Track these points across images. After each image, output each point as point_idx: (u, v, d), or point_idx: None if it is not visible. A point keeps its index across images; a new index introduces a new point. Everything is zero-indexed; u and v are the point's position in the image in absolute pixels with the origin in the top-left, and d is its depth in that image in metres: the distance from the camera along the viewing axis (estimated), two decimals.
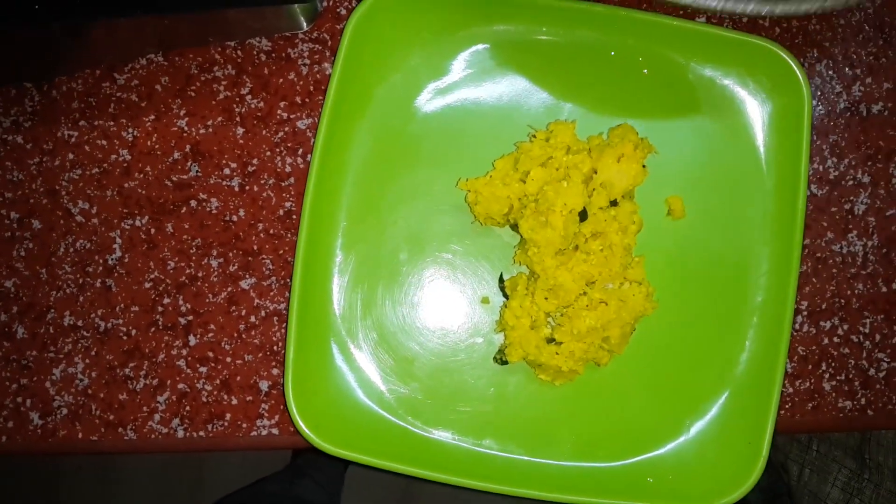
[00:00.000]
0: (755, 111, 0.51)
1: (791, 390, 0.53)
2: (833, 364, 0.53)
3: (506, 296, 0.51)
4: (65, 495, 1.40)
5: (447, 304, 0.51)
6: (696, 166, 0.52)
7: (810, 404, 0.53)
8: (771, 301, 0.50)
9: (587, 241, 0.48)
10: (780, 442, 0.79)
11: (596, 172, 0.48)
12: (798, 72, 0.49)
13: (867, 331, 0.53)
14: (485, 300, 0.51)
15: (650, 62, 0.51)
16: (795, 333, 0.53)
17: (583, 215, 0.47)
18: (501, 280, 0.51)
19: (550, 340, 0.48)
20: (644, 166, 0.48)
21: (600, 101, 0.52)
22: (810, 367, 0.53)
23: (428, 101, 0.51)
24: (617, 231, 0.47)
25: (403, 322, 0.51)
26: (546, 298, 0.48)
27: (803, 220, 0.49)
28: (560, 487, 0.48)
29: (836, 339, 0.53)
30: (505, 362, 0.50)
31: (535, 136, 0.49)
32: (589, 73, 0.51)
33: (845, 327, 0.53)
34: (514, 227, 0.50)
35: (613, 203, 0.48)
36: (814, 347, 0.53)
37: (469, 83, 0.52)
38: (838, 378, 0.53)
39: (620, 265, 0.48)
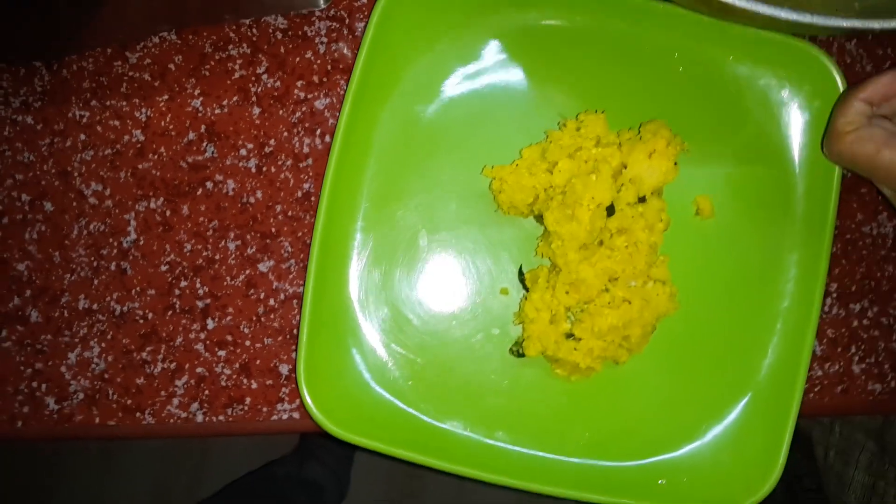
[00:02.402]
0: (790, 114, 0.50)
1: (820, 373, 0.52)
2: (862, 347, 0.52)
3: (525, 287, 0.49)
4: (70, 472, 1.40)
5: (465, 293, 0.50)
6: (726, 166, 0.50)
7: (839, 387, 0.52)
8: (796, 307, 0.49)
9: (612, 236, 0.46)
10: (802, 424, 0.78)
11: (625, 167, 0.47)
12: (837, 76, 0.48)
13: None
14: (504, 291, 0.50)
15: (685, 58, 0.49)
16: (825, 315, 0.52)
17: (610, 210, 0.46)
18: (521, 272, 0.50)
19: (569, 336, 0.47)
20: (675, 164, 0.47)
21: (632, 95, 0.50)
22: (839, 349, 0.52)
23: (455, 85, 0.50)
24: (643, 228, 0.46)
25: (419, 308, 0.50)
26: (567, 293, 0.46)
27: (833, 227, 0.48)
28: (570, 484, 0.47)
29: (865, 322, 0.52)
30: (521, 355, 0.49)
31: (565, 125, 0.48)
32: (622, 66, 0.50)
33: (875, 309, 0.52)
34: (538, 218, 0.49)
35: (641, 199, 0.47)
36: (843, 330, 0.52)
37: (498, 69, 0.50)
38: (868, 361, 0.52)
39: (645, 263, 0.46)
